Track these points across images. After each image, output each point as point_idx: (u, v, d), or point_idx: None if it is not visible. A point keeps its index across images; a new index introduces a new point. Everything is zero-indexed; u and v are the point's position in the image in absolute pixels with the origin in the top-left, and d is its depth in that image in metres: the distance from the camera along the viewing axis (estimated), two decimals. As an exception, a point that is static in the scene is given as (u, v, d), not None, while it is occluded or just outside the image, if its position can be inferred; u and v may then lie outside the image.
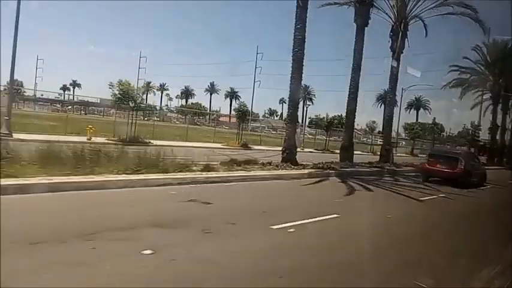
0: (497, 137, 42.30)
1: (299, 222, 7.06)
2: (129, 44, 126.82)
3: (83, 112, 59.49)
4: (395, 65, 21.40)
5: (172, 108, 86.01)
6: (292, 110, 15.28)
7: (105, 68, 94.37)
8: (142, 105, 26.04)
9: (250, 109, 72.12)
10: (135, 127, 22.93)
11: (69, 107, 58.87)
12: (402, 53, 21.65)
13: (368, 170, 17.50)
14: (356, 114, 18.40)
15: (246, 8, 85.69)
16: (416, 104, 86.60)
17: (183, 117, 75.77)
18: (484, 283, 5.10)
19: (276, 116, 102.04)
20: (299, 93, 15.12)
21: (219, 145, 27.12)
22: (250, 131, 62.06)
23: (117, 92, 22.91)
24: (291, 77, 15.07)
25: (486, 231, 8.57)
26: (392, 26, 21.75)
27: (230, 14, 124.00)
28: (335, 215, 8.12)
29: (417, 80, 42.04)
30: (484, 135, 45.03)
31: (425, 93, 75.78)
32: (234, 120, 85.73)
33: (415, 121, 58.11)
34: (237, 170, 11.68)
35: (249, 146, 28.31)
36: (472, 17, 21.90)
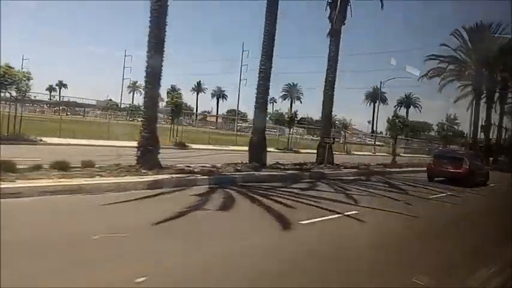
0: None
1: None
2: (128, 44, 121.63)
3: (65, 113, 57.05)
4: (334, 39, 16.74)
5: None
6: (149, 87, 10.58)
7: (105, 68, 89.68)
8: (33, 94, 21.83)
9: (236, 109, 67.97)
10: (21, 122, 18.77)
11: (55, 108, 56.90)
12: (344, 24, 17.03)
13: (279, 173, 12.81)
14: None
15: (242, 6, 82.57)
16: (406, 102, 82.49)
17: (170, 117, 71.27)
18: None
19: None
20: (160, 66, 10.48)
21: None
22: (238, 131, 57.89)
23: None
24: (148, 45, 10.53)
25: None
26: (331, -10, 17.12)
27: (228, 13, 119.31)
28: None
29: (397, 73, 37.40)
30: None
31: (416, 90, 71.97)
32: (220, 120, 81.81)
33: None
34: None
35: (187, 145, 23.92)
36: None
